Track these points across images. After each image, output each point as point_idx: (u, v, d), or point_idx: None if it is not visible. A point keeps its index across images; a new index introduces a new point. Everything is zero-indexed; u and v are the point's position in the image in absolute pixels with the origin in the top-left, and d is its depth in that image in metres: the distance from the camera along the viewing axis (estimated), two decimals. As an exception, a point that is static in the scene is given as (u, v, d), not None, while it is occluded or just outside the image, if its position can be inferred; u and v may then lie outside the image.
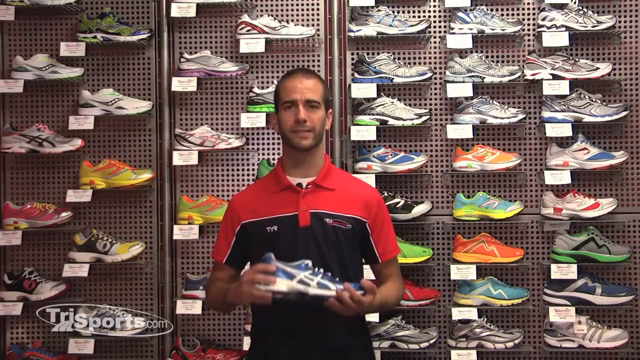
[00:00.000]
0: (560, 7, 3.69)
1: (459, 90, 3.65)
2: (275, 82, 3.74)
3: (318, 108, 2.42)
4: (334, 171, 2.53)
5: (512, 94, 3.80)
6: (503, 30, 3.69)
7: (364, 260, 2.56)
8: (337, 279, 2.20)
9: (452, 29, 3.69)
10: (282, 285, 2.12)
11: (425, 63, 3.82)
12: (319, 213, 2.40)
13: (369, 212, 2.47)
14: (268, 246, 2.35)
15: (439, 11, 3.81)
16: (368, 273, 2.62)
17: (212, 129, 3.80)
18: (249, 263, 2.53)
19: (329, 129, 2.58)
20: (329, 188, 2.45)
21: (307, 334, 2.35)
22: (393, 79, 3.68)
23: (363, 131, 3.64)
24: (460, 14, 3.69)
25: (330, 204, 2.42)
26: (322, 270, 2.19)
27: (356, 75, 3.70)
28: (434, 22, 3.81)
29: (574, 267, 3.55)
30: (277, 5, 3.86)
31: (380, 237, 2.50)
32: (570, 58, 3.69)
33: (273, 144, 3.84)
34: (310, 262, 2.19)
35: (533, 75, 3.67)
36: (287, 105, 2.41)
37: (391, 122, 3.68)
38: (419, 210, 3.65)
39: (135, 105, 3.75)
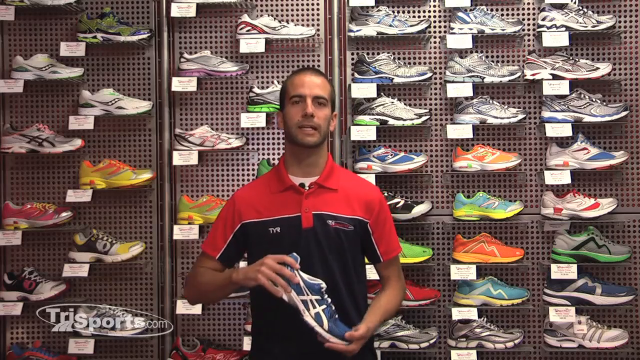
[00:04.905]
0: (560, 7, 3.69)
1: (459, 90, 3.65)
2: (276, 82, 3.74)
3: (325, 106, 2.43)
4: (336, 171, 2.52)
5: (512, 94, 3.80)
6: (503, 30, 3.69)
7: (366, 260, 2.57)
8: (337, 316, 2.24)
9: (452, 29, 3.69)
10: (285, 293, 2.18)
11: (425, 63, 3.82)
12: (322, 215, 2.40)
13: (371, 212, 2.47)
14: (270, 247, 2.37)
15: (439, 11, 3.81)
16: (369, 273, 2.63)
17: (212, 129, 3.80)
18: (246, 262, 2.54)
19: (333, 131, 2.57)
20: (331, 188, 2.45)
21: (310, 334, 2.35)
22: (393, 79, 3.68)
23: (363, 131, 3.64)
24: (460, 14, 3.69)
25: (333, 206, 2.42)
26: (329, 300, 2.23)
27: (356, 75, 3.70)
28: (434, 22, 3.81)
29: (574, 267, 3.55)
30: (277, 5, 3.86)
31: (383, 237, 2.51)
32: (570, 58, 3.69)
33: (273, 144, 3.84)
34: (324, 287, 2.22)
35: (533, 75, 3.67)
36: (295, 100, 2.41)
37: (391, 122, 3.68)
38: (419, 210, 3.65)
39: (135, 105, 3.75)
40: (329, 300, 2.23)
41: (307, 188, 2.44)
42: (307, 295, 2.18)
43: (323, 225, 2.39)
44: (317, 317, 2.19)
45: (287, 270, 2.18)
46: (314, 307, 2.19)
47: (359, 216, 2.45)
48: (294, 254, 2.22)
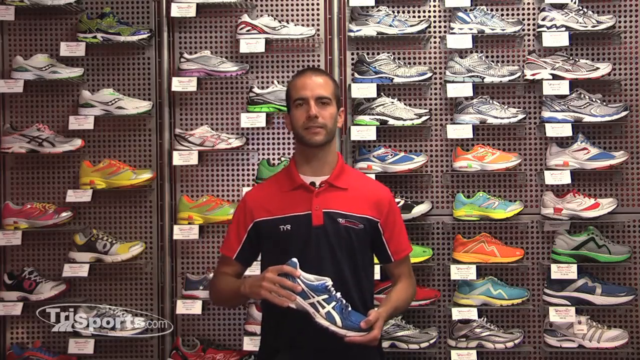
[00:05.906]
0: (560, 7, 3.69)
1: (459, 90, 3.65)
2: (276, 82, 3.75)
3: (329, 104, 2.45)
4: (346, 170, 2.55)
5: (512, 94, 3.80)
6: (503, 30, 3.69)
7: (376, 260, 2.57)
8: (350, 309, 2.23)
9: (452, 29, 3.69)
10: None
11: (425, 63, 3.82)
12: (332, 213, 2.42)
13: (381, 212, 2.49)
14: (281, 245, 2.39)
15: (439, 11, 3.81)
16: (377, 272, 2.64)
17: (212, 129, 3.80)
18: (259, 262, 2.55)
19: (341, 127, 2.60)
20: (341, 187, 2.47)
21: (319, 333, 2.35)
22: (393, 79, 3.68)
23: (363, 131, 3.64)
24: (460, 14, 3.69)
25: (343, 204, 2.44)
26: (338, 295, 2.23)
27: (356, 75, 3.70)
28: (434, 22, 3.81)
29: (574, 267, 3.55)
30: (277, 5, 3.86)
31: (393, 237, 2.52)
32: (570, 58, 3.69)
33: (273, 144, 3.84)
34: (330, 283, 2.22)
35: (533, 75, 3.67)
36: (298, 102, 2.44)
37: (391, 122, 3.68)
38: (419, 210, 3.65)
39: (135, 105, 3.75)
40: (338, 294, 2.23)
41: (318, 187, 2.45)
42: (314, 297, 2.19)
43: (333, 223, 2.41)
44: (329, 316, 2.19)
45: (288, 281, 2.20)
46: (323, 307, 2.19)
47: (369, 215, 2.46)
48: (293, 259, 2.22)
